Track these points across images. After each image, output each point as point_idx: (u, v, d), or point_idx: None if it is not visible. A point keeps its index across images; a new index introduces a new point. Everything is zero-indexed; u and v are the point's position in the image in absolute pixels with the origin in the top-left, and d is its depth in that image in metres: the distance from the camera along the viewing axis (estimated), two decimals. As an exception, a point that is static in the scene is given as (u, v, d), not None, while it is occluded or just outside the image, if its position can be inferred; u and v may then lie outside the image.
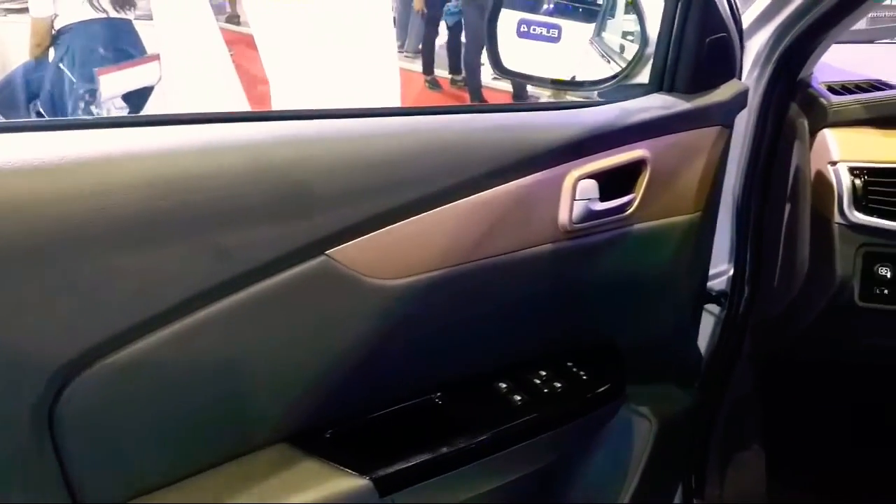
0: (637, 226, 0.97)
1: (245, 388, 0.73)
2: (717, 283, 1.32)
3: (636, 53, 1.11)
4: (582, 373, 0.97)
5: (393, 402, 0.84)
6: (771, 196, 1.22)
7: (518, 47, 1.50)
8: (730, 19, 1.00)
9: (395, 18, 7.69)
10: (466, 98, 5.92)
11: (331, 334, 0.73)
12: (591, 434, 1.02)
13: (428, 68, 6.44)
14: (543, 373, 0.95)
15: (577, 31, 1.62)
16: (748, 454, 1.45)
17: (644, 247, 0.99)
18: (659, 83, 1.02)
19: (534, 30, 1.54)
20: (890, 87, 1.10)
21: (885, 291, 1.04)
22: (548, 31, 1.56)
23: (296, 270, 0.68)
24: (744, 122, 1.21)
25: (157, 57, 3.63)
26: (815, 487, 1.51)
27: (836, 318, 1.09)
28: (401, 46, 7.57)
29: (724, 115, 1.02)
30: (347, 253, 0.70)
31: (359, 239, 0.71)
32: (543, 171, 0.86)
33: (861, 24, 1.53)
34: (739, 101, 1.04)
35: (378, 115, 0.75)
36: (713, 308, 1.34)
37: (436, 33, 6.51)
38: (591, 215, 0.90)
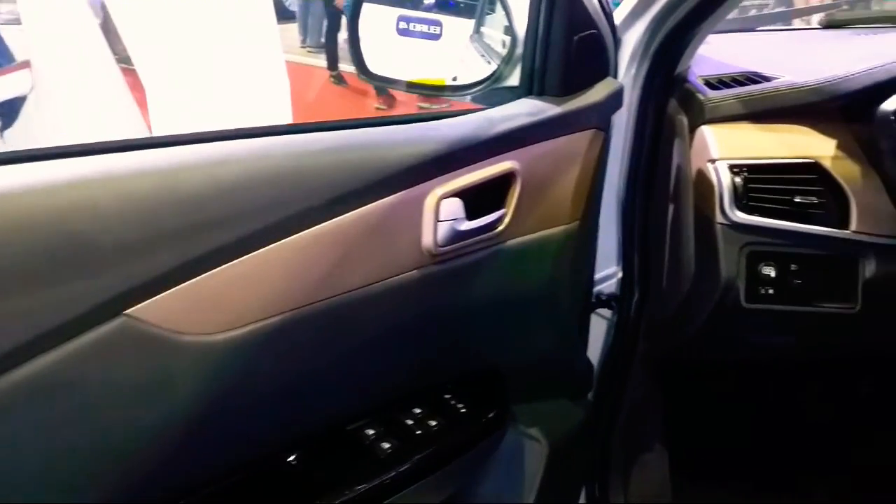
0: (511, 242, 0.90)
1: (53, 472, 0.62)
2: (608, 287, 1.28)
3: (506, 54, 1.04)
4: (461, 405, 0.90)
5: (236, 467, 0.73)
6: (655, 196, 1.18)
7: (398, 46, 1.41)
8: (599, 15, 0.95)
9: (296, 12, 7.48)
10: (374, 93, 5.78)
11: (144, 404, 0.62)
12: (477, 467, 0.96)
13: (332, 63, 6.25)
14: (417, 410, 0.87)
15: (458, 28, 1.54)
16: (650, 456, 1.42)
17: (520, 264, 0.93)
18: (529, 86, 0.95)
19: (414, 27, 1.45)
20: (766, 79, 1.07)
21: (770, 291, 1.01)
22: (429, 29, 1.47)
23: (89, 336, 0.57)
24: (624, 121, 1.16)
25: (27, 64, 3.33)
26: (718, 484, 1.50)
27: (724, 319, 1.06)
28: (303, 41, 7.34)
29: (598, 118, 0.96)
30: (153, 309, 0.59)
31: (168, 291, 0.60)
32: (400, 193, 0.78)
33: (737, 14, 1.52)
34: (614, 101, 0.99)
35: (187, 143, 0.64)
36: (605, 312, 1.30)
37: (339, 26, 6.32)
38: (458, 236, 0.83)
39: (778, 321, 1.04)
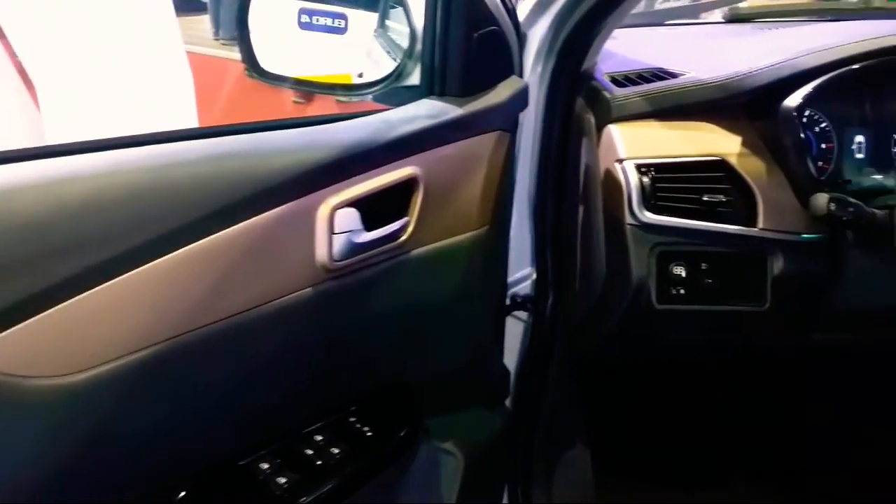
0: (416, 252, 0.85)
1: None
2: (523, 288, 1.25)
3: (406, 51, 0.99)
4: (366, 428, 0.84)
5: None
6: (566, 197, 1.16)
7: (301, 41, 1.32)
8: (501, 11, 0.90)
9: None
10: (291, 85, 5.60)
11: None
12: (388, 492, 0.90)
13: (247, 55, 6.03)
14: (319, 438, 0.81)
15: (365, 22, 1.48)
16: (573, 457, 1.41)
17: (426, 274, 0.88)
18: (429, 86, 0.90)
19: (317, 20, 1.37)
20: (672, 75, 1.05)
21: (682, 291, 1.00)
22: (333, 22, 1.40)
23: None
24: (532, 121, 1.13)
25: None
26: (641, 480, 1.51)
27: (637, 320, 1.05)
28: (215, 33, 7.06)
29: (503, 119, 0.92)
30: None
31: (9, 331, 0.52)
32: (288, 205, 0.71)
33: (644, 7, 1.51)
34: (519, 101, 0.95)
35: (23, 159, 0.56)
36: (522, 315, 1.27)
37: (253, 17, 6.09)
38: (356, 249, 0.77)
39: (690, 320, 1.03)
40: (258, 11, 1.12)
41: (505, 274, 1.11)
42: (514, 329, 1.28)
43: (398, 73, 0.99)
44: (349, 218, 0.76)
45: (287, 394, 0.79)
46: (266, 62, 1.07)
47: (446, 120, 0.86)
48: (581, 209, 1.10)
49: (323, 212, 0.74)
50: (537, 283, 1.23)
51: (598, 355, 1.24)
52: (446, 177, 0.87)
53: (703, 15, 1.53)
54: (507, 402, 1.25)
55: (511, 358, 1.29)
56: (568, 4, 1.00)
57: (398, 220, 0.81)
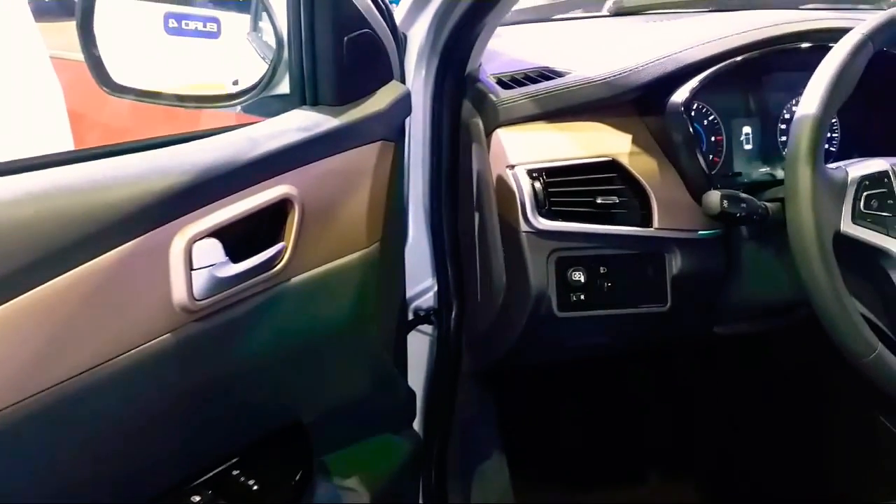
0: (296, 280, 0.77)
1: None
2: (426, 301, 1.20)
3: (274, 57, 0.91)
4: (252, 481, 0.76)
5: None
6: (462, 205, 1.11)
7: (170, 47, 1.21)
8: (373, 12, 0.84)
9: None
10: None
11: None
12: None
13: (133, 61, 5.71)
14: (197, 498, 0.72)
15: (239, 24, 1.38)
16: (490, 467, 1.37)
17: (311, 302, 0.80)
18: (301, 95, 0.83)
19: (186, 25, 1.26)
20: (558, 74, 1.02)
21: (582, 297, 0.97)
22: (204, 26, 1.29)
23: None
24: (420, 128, 1.07)
25: None
26: (559, 483, 1.48)
27: (539, 328, 1.01)
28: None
29: (384, 128, 0.86)
30: None
31: None
32: (134, 241, 0.62)
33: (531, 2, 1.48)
34: (401, 107, 0.89)
35: None
36: (427, 329, 1.22)
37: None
38: (221, 284, 0.69)
39: (593, 325, 1.00)
40: (108, 16, 1.00)
41: (403, 290, 1.05)
42: (419, 344, 1.23)
43: (267, 82, 0.90)
44: (210, 250, 0.68)
45: (155, 453, 0.70)
46: (121, 74, 0.96)
47: (321, 132, 0.79)
48: (477, 217, 1.06)
49: (178, 246, 0.65)
50: (439, 295, 1.18)
51: (504, 364, 1.20)
52: (326, 194, 0.80)
53: (591, 8, 1.51)
54: (417, 423, 1.20)
55: (418, 374, 1.23)
56: (446, 3, 0.94)
57: (272, 246, 0.74)
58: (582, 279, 0.96)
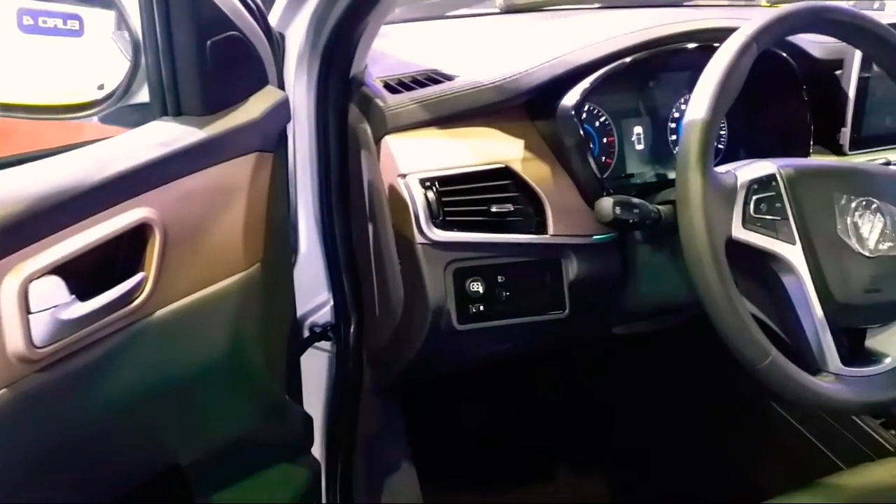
0: (160, 313, 0.69)
1: None
2: (322, 316, 1.13)
3: (131, 62, 0.82)
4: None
5: None
6: (355, 216, 1.05)
7: (26, 48, 1.08)
8: (240, 12, 0.76)
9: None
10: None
11: None
12: None
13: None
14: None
15: (105, 21, 1.26)
16: (399, 480, 1.32)
17: (180, 336, 0.72)
18: (162, 105, 0.74)
19: (44, 22, 1.13)
20: (447, 77, 0.97)
21: (481, 308, 0.93)
22: (65, 23, 1.16)
23: None
24: (306, 135, 1.00)
25: None
26: (472, 486, 1.46)
27: (439, 342, 0.97)
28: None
29: (260, 137, 0.78)
30: None
31: None
32: None
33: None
34: (278, 114, 0.82)
35: None
36: (325, 345, 1.16)
37: None
38: (67, 327, 0.60)
39: (493, 335, 0.97)
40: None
41: (292, 310, 0.98)
42: (318, 361, 1.17)
43: (125, 90, 0.81)
44: (52, 289, 0.59)
45: None
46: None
47: (185, 146, 0.71)
48: (371, 228, 1.00)
49: (9, 287, 0.56)
50: (336, 310, 1.12)
51: (407, 377, 1.15)
52: (193, 215, 0.72)
53: (485, 4, 1.48)
54: (318, 445, 1.14)
55: (317, 393, 1.17)
56: (324, 1, 0.88)
57: (129, 278, 0.65)
58: (480, 290, 0.93)
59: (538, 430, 1.59)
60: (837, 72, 1.07)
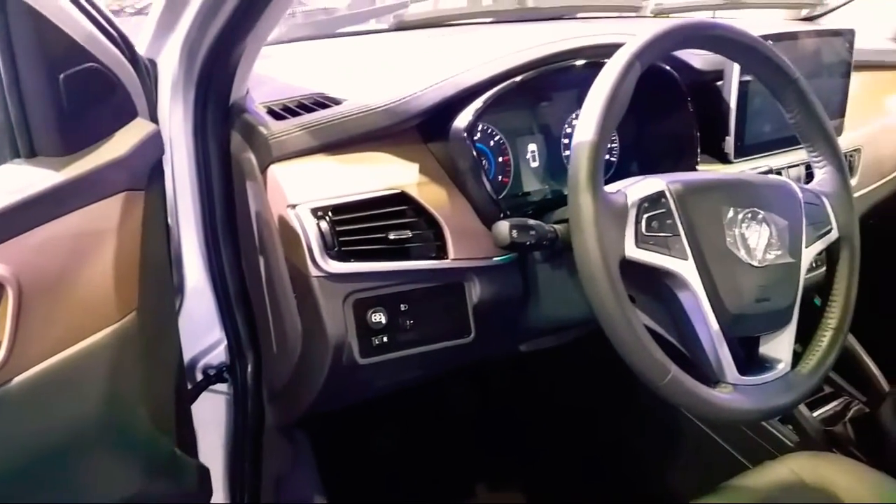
0: (18, 381, 0.62)
1: None
2: (217, 357, 1.07)
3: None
4: None
5: None
6: (244, 250, 0.99)
7: None
8: (98, 41, 0.70)
9: None
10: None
11: None
12: None
13: None
14: None
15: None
16: None
17: (42, 403, 0.65)
18: (11, 146, 0.67)
19: None
20: (335, 101, 0.93)
21: (385, 339, 0.89)
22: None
23: None
24: (186, 168, 0.94)
25: None
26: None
27: (342, 377, 0.92)
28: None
29: (128, 175, 0.72)
30: None
31: None
32: None
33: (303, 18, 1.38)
34: (149, 148, 0.76)
35: None
36: (221, 387, 1.09)
37: None
38: None
39: (399, 365, 0.93)
40: None
41: (178, 356, 0.91)
42: (214, 404, 1.10)
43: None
44: None
45: None
46: None
47: (40, 191, 0.64)
48: (262, 262, 0.94)
49: None
50: (231, 350, 1.06)
51: (312, 412, 1.10)
52: (55, 266, 0.65)
53: (372, 22, 1.45)
54: (221, 493, 1.07)
55: (216, 438, 1.10)
56: (197, 24, 0.82)
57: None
58: (383, 320, 0.89)
59: (453, 447, 1.57)
60: (719, 83, 1.11)
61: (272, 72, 1.08)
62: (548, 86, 1.04)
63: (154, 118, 0.86)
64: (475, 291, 0.94)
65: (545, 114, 1.07)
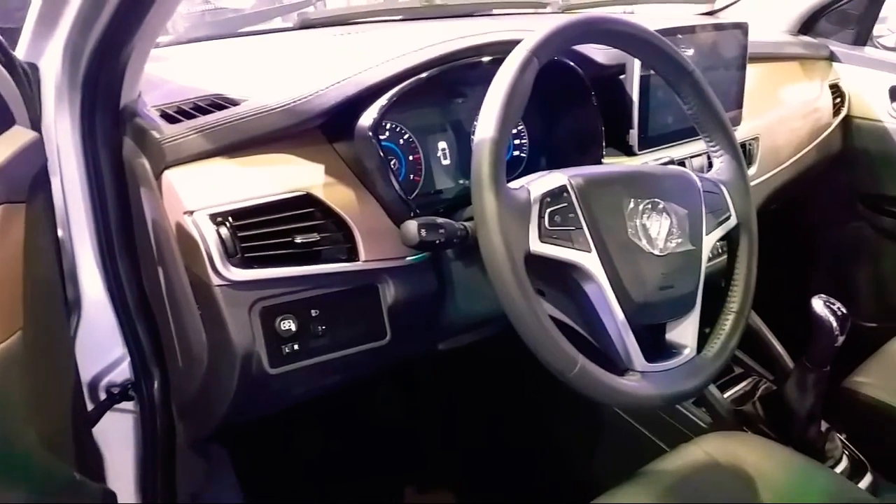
0: None
1: None
2: (121, 373, 1.02)
3: None
4: None
5: None
6: (142, 261, 0.95)
7: None
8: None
9: None
10: None
11: None
12: None
13: None
14: None
15: None
16: None
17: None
18: None
19: None
20: (232, 102, 0.90)
21: (296, 347, 0.87)
22: None
23: None
24: (77, 176, 0.89)
25: None
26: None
27: (253, 389, 0.89)
28: None
29: (5, 188, 0.67)
30: None
31: None
32: None
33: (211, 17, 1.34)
34: (28, 158, 0.71)
35: None
36: (127, 405, 1.04)
37: None
38: None
39: (313, 372, 0.91)
40: None
41: (74, 376, 0.86)
42: (122, 424, 1.05)
43: None
44: None
45: None
46: None
47: None
48: (161, 273, 0.90)
49: None
50: (135, 365, 1.01)
51: (226, 425, 1.06)
52: None
53: (281, 20, 1.41)
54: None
55: (125, 459, 1.05)
56: (78, 25, 0.78)
57: None
58: (293, 328, 0.86)
59: (380, 449, 1.55)
60: (622, 77, 1.13)
61: (169, 74, 1.04)
62: (456, 83, 1.04)
63: (37, 126, 0.81)
64: (389, 292, 0.93)
65: (455, 111, 1.06)
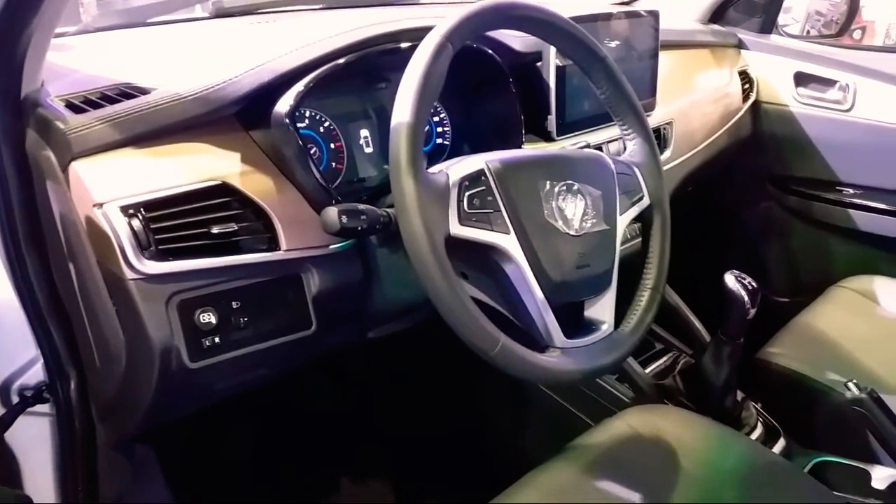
0: None
1: None
2: (34, 375, 0.98)
3: None
4: None
5: None
6: (54, 255, 0.91)
7: None
8: None
9: None
10: None
11: None
12: None
13: None
14: None
15: None
16: None
17: None
18: None
19: None
20: (142, 91, 0.87)
21: (217, 340, 0.85)
22: None
23: None
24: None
25: None
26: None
27: (174, 385, 0.87)
28: None
29: None
30: None
31: None
32: None
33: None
34: None
35: None
36: (42, 408, 1.00)
37: None
38: None
39: (237, 366, 0.90)
40: None
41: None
42: (38, 428, 1.01)
43: None
44: None
45: None
46: None
47: None
48: (72, 268, 0.87)
49: None
50: (49, 366, 0.97)
51: (150, 425, 1.03)
52: None
53: (199, 7, 1.38)
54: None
55: (44, 465, 1.01)
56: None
57: None
58: (213, 320, 0.85)
59: (313, 441, 1.54)
60: (539, 63, 1.15)
61: (76, 63, 1.00)
62: (376, 70, 1.04)
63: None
64: (313, 281, 0.92)
65: (377, 98, 1.06)
